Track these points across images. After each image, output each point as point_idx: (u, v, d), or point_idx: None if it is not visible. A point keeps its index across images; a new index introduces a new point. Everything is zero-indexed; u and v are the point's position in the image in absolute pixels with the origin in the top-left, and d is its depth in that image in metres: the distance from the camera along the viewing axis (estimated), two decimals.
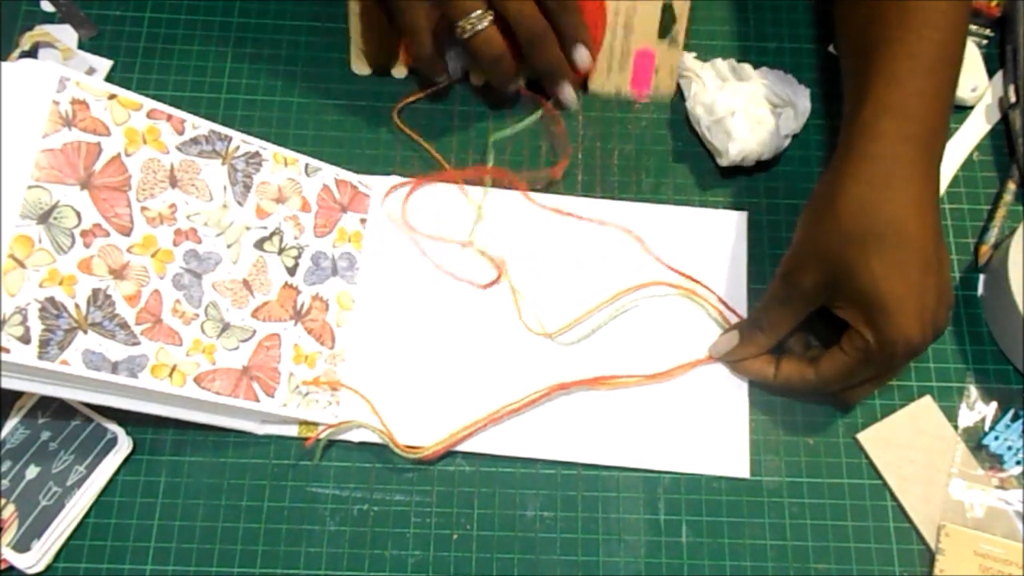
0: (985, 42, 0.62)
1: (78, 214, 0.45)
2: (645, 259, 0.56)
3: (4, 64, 0.44)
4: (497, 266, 0.56)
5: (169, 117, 0.49)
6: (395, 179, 0.58)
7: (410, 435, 0.52)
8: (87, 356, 0.44)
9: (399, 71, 0.60)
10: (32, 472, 0.50)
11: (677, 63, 0.59)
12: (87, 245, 0.45)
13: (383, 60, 0.59)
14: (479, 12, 0.52)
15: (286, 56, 0.61)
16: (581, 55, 0.56)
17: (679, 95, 0.60)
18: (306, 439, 0.52)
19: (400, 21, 0.54)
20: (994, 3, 0.61)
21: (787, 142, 0.57)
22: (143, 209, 0.47)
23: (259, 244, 0.52)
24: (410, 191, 0.57)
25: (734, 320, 0.55)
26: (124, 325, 0.45)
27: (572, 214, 0.57)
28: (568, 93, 0.58)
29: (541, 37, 0.54)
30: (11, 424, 0.50)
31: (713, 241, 0.57)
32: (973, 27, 0.62)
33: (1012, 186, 0.58)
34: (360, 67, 0.60)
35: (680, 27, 0.59)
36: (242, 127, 0.53)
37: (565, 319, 0.55)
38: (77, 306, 0.44)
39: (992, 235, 0.57)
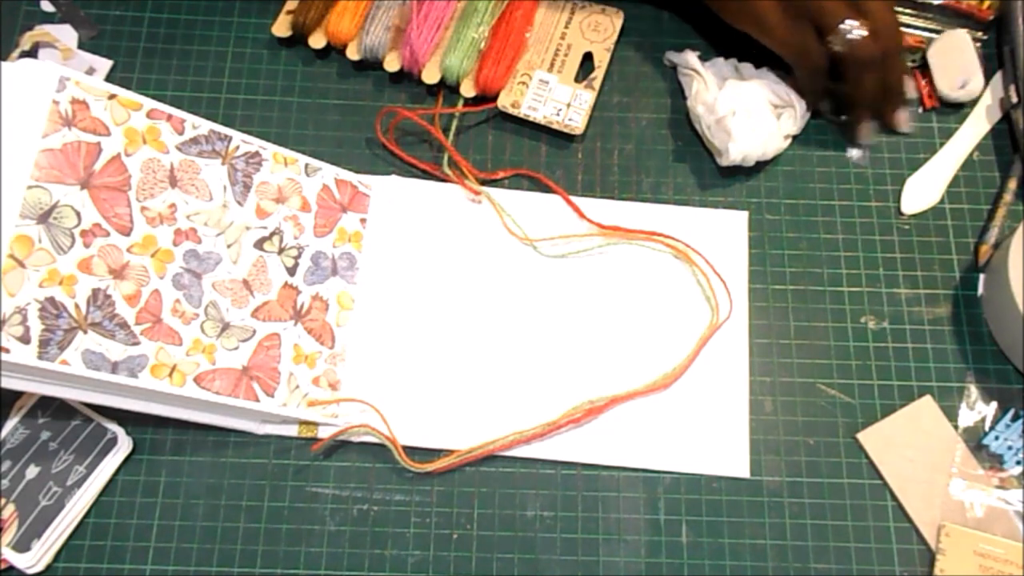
0: (978, 44, 0.61)
1: (78, 214, 0.45)
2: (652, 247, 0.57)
3: (4, 64, 0.44)
4: (476, 191, 0.57)
5: (169, 117, 0.49)
6: (395, 179, 0.58)
7: (410, 435, 0.52)
8: (87, 356, 0.44)
9: (317, 40, 0.59)
10: (32, 472, 0.50)
11: (590, 105, 0.59)
12: (87, 245, 0.45)
13: (306, 27, 0.59)
14: (850, 19, 0.53)
15: (286, 56, 0.61)
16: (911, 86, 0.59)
17: (681, 94, 0.60)
18: (308, 440, 0.52)
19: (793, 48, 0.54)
20: (985, 4, 0.61)
21: (786, 143, 0.57)
22: (143, 209, 0.47)
23: (259, 244, 0.52)
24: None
25: (724, 298, 0.55)
26: (124, 325, 0.45)
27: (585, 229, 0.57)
28: (905, 116, 0.59)
29: (896, 50, 0.55)
30: (11, 424, 0.50)
31: (713, 241, 0.57)
32: (965, 30, 0.62)
33: (1012, 186, 0.58)
34: (282, 30, 0.60)
35: (598, 74, 0.59)
36: (242, 127, 0.53)
37: (567, 318, 0.55)
38: (77, 306, 0.44)
39: (992, 235, 0.57)
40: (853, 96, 0.57)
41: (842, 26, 0.53)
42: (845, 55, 0.54)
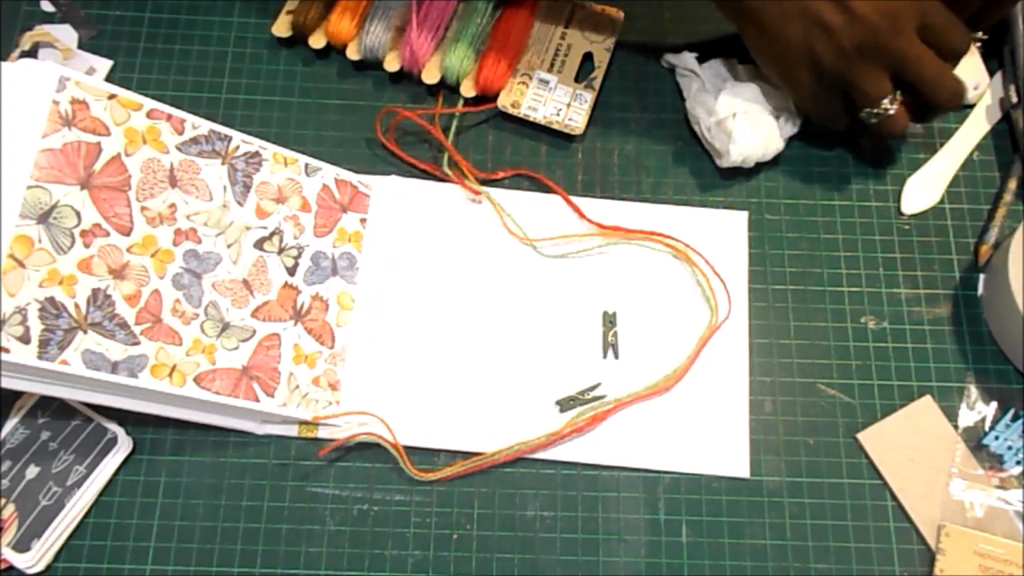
0: (979, 44, 0.61)
1: (78, 214, 0.45)
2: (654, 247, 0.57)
3: (4, 64, 0.44)
4: (476, 191, 0.57)
5: (169, 117, 0.49)
6: (395, 179, 0.58)
7: (410, 435, 0.52)
8: (87, 356, 0.44)
9: (317, 40, 0.60)
10: (32, 472, 0.50)
11: (590, 105, 0.59)
12: (87, 245, 0.45)
13: (306, 27, 0.59)
14: (889, 97, 0.52)
15: (286, 56, 0.61)
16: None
17: (680, 95, 0.60)
18: (308, 440, 0.52)
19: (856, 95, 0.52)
20: None
21: (784, 143, 0.57)
22: (143, 209, 0.47)
23: (259, 244, 0.52)
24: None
25: (724, 298, 0.55)
26: (124, 325, 0.45)
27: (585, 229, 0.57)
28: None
29: (958, 102, 0.53)
30: (11, 424, 0.50)
31: (713, 241, 0.57)
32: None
33: (1012, 186, 0.58)
34: (282, 30, 0.60)
35: (598, 74, 0.59)
36: (242, 127, 0.53)
37: (570, 324, 0.55)
38: (77, 306, 0.44)
39: (992, 235, 0.57)
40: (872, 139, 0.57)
41: (875, 108, 0.52)
42: (873, 127, 0.54)
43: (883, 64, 0.51)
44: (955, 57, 0.53)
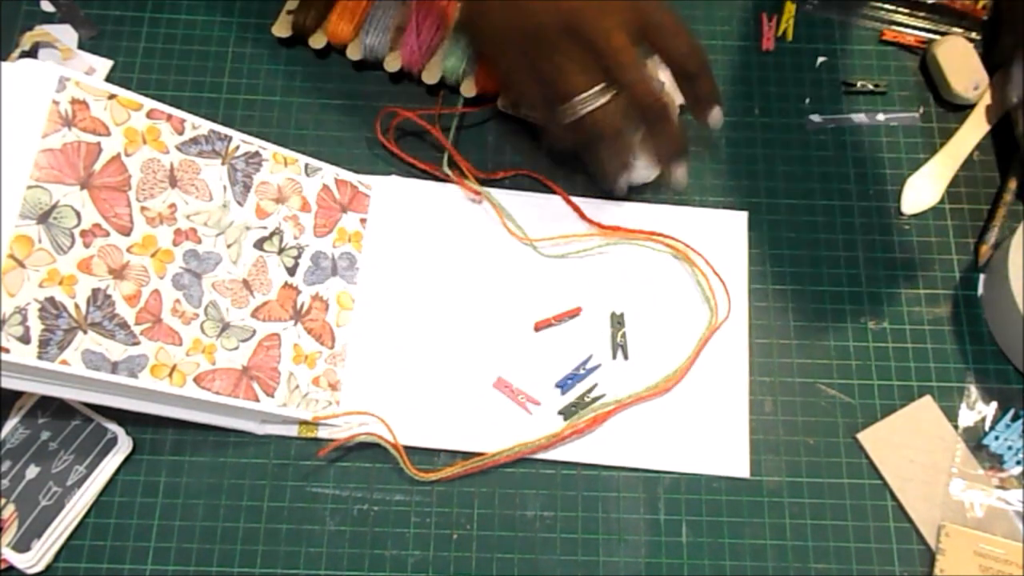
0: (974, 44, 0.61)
1: (78, 214, 0.45)
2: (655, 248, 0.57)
3: (4, 64, 0.44)
4: (476, 191, 0.57)
5: (169, 117, 0.49)
6: (395, 179, 0.58)
7: (410, 435, 0.52)
8: (87, 356, 0.44)
9: (317, 40, 0.59)
10: (32, 472, 0.50)
11: None
12: (87, 245, 0.45)
13: (307, 28, 0.59)
14: (598, 88, 0.47)
15: (286, 56, 0.61)
16: (715, 117, 0.51)
17: None
18: (308, 440, 0.52)
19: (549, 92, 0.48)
20: (980, 4, 0.61)
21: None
22: (143, 209, 0.47)
23: (259, 244, 0.52)
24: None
25: (724, 298, 0.55)
26: (124, 325, 0.45)
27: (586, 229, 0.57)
28: (682, 173, 0.53)
29: (666, 110, 0.49)
30: (11, 424, 0.50)
31: (713, 241, 0.57)
32: (959, 30, 0.62)
33: (1012, 186, 0.58)
34: (282, 30, 0.60)
35: None
36: (242, 127, 0.53)
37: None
38: (77, 306, 0.44)
39: (992, 235, 0.57)
40: (587, 164, 0.54)
41: (576, 98, 0.48)
42: (577, 126, 0.49)
43: (582, 50, 0.47)
44: (684, 72, 0.49)
